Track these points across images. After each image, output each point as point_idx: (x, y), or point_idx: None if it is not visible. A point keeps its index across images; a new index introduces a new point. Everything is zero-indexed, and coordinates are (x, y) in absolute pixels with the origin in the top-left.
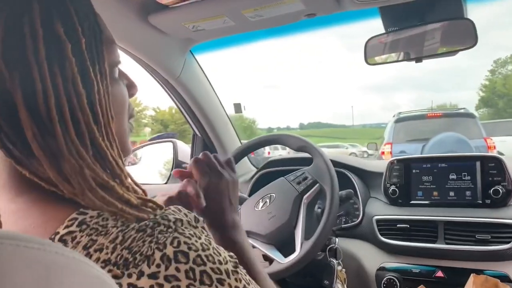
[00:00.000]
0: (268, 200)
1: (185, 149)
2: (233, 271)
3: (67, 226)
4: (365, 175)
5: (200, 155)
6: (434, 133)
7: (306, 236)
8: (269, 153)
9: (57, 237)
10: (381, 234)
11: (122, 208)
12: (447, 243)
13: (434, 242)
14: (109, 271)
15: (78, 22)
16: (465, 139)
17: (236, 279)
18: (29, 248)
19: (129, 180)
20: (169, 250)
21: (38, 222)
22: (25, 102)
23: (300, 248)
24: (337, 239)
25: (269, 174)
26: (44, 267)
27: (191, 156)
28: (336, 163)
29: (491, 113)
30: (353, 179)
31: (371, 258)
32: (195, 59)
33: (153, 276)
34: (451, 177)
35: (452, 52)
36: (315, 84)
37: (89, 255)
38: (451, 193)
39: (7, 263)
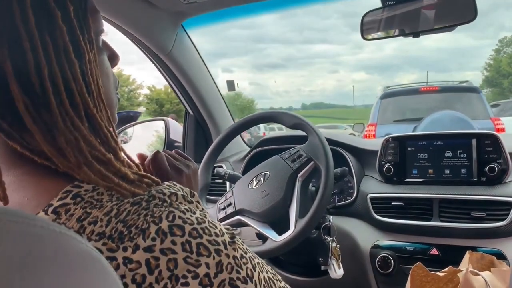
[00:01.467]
0: (262, 178)
1: (177, 128)
2: (230, 242)
3: (61, 198)
4: (360, 153)
5: (154, 155)
6: (428, 112)
7: (301, 214)
8: (264, 134)
9: (51, 209)
10: (376, 212)
11: (118, 182)
12: (442, 221)
13: (429, 220)
14: (104, 244)
15: None
16: (466, 119)
17: (234, 249)
18: (12, 222)
19: (123, 154)
20: (164, 224)
21: (31, 194)
22: (15, 74)
23: (294, 226)
24: (331, 217)
25: (262, 152)
26: (29, 242)
27: (183, 135)
28: (330, 141)
29: (495, 93)
30: (347, 157)
31: (365, 236)
32: (187, 34)
33: (148, 249)
34: (446, 154)
35: (451, 27)
36: (318, 64)
37: (83, 228)
38: (447, 171)
39: None
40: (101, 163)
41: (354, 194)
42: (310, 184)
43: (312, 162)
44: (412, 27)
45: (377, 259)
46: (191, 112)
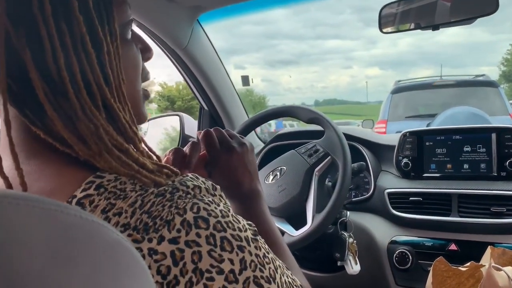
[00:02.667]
0: (278, 173)
1: (192, 123)
2: (253, 239)
3: (84, 189)
4: (377, 148)
5: (204, 132)
6: (443, 108)
7: (318, 209)
8: (274, 130)
9: (75, 200)
10: (393, 207)
11: (139, 170)
12: (461, 216)
13: (447, 215)
14: (129, 235)
15: None
16: (484, 115)
17: (256, 247)
18: (45, 210)
19: (143, 145)
20: (189, 216)
21: (54, 185)
22: (34, 61)
23: (311, 221)
24: (348, 212)
25: (277, 148)
26: (62, 229)
27: (198, 130)
28: (347, 136)
29: None
30: (364, 152)
31: (383, 232)
32: (203, 29)
33: (173, 241)
34: (465, 149)
35: (470, 19)
36: (331, 59)
37: (108, 219)
38: (465, 166)
39: (23, 223)
40: (120, 151)
41: (371, 189)
42: (327, 179)
43: (329, 157)
44: (430, 20)
45: (395, 254)
46: (205, 108)
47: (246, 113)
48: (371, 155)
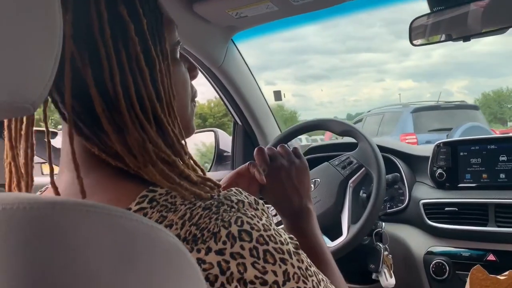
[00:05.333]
0: (312, 185)
1: (226, 138)
2: (295, 252)
3: (138, 203)
4: (410, 159)
5: (257, 150)
6: (451, 124)
7: (353, 220)
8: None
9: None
10: (429, 218)
11: (179, 183)
12: (498, 226)
13: (484, 225)
14: None
15: (139, 5)
16: (487, 127)
17: (298, 260)
18: (111, 216)
19: (189, 158)
20: (234, 229)
21: (110, 197)
22: (94, 80)
23: (347, 232)
24: (383, 223)
25: (310, 161)
26: (127, 234)
27: (232, 145)
28: (381, 148)
29: None
30: (398, 164)
31: (418, 243)
32: (236, 47)
33: (220, 252)
34: (501, 158)
35: (502, 30)
36: (363, 73)
37: None
38: (502, 175)
39: (92, 229)
40: (166, 164)
41: (406, 200)
42: (361, 191)
43: (364, 168)
44: (461, 31)
45: (431, 265)
46: (239, 123)
47: (279, 127)
48: (405, 166)
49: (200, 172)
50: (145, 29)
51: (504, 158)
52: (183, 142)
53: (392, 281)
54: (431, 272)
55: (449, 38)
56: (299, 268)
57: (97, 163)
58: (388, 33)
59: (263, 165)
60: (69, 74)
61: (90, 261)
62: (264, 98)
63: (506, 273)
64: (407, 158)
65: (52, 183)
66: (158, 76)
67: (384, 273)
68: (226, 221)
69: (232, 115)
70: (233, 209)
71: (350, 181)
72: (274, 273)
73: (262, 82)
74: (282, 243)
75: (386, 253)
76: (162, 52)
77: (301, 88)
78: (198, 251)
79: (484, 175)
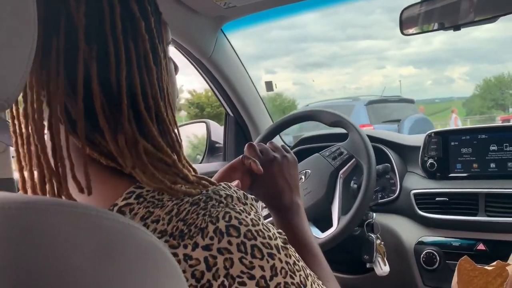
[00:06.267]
0: (303, 177)
1: (218, 130)
2: (283, 247)
3: (125, 199)
4: (401, 149)
5: (247, 146)
6: (399, 116)
7: (343, 211)
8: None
9: (116, 208)
10: (419, 208)
11: (170, 186)
12: (488, 216)
13: (475, 215)
14: (166, 241)
15: (147, 2)
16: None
17: (286, 255)
18: (87, 215)
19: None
20: (222, 224)
21: (97, 193)
22: (98, 73)
23: (337, 223)
24: (374, 214)
25: (301, 151)
26: (103, 233)
27: (224, 136)
28: (371, 138)
29: None
30: (389, 154)
31: (409, 233)
32: (226, 37)
33: (206, 248)
34: (491, 148)
35: (493, 18)
36: (363, 60)
37: (146, 226)
38: (492, 165)
39: (68, 229)
40: (164, 164)
41: (397, 190)
42: (352, 182)
43: (354, 159)
44: (452, 20)
45: (422, 255)
46: (231, 114)
47: (271, 118)
48: (396, 157)
49: (193, 172)
50: (153, 27)
51: (495, 148)
52: (180, 140)
53: (386, 268)
54: (422, 262)
55: (440, 27)
56: (287, 263)
57: (86, 161)
58: (388, 20)
59: (256, 158)
60: (82, 67)
61: (64, 260)
62: (256, 89)
63: (494, 263)
64: (398, 148)
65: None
66: (162, 74)
67: (379, 262)
68: (214, 216)
69: (224, 106)
70: (221, 204)
71: (341, 172)
72: (262, 268)
73: (261, 71)
74: (270, 238)
75: (378, 241)
76: (164, 50)
77: (301, 76)
78: (185, 246)
79: (475, 165)
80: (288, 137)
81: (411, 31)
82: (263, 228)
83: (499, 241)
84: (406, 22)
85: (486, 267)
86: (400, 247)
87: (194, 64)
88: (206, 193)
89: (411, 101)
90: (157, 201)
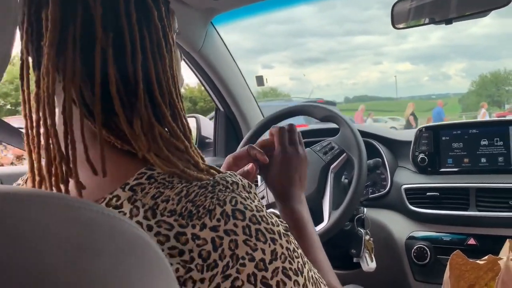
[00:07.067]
0: None
1: (208, 125)
2: (284, 234)
3: (136, 179)
4: (392, 144)
5: (286, 126)
6: None
7: (334, 206)
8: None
9: (127, 186)
10: (410, 203)
11: (183, 169)
12: (479, 210)
13: (465, 209)
14: (175, 220)
15: None
16: None
17: (287, 241)
18: (70, 207)
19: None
20: (228, 207)
21: (108, 175)
22: (115, 60)
23: (328, 217)
24: (365, 209)
25: None
26: (87, 225)
27: (214, 131)
28: (362, 133)
29: None
30: (380, 149)
31: (400, 228)
32: (216, 31)
33: (214, 229)
34: (482, 143)
35: (483, 12)
36: (360, 56)
37: (156, 205)
38: (483, 159)
39: (52, 220)
40: (177, 149)
41: (388, 185)
42: (343, 176)
43: (345, 154)
44: (443, 14)
45: (413, 250)
46: (221, 109)
47: (262, 113)
48: (387, 151)
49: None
50: (164, 16)
51: (485, 143)
52: (189, 127)
53: (372, 265)
54: (413, 257)
55: (432, 21)
56: (287, 249)
57: (102, 144)
58: (385, 16)
59: (282, 144)
60: (99, 54)
61: (44, 254)
62: (246, 83)
63: (486, 257)
64: (389, 143)
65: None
66: (173, 62)
67: (365, 257)
68: (221, 200)
69: (214, 100)
70: (228, 190)
71: (332, 166)
72: (263, 251)
73: (259, 66)
74: (273, 224)
75: (367, 237)
76: (173, 39)
77: (298, 71)
78: (193, 226)
79: (466, 160)
80: None
81: (402, 25)
82: (266, 215)
83: (489, 235)
84: (397, 16)
85: (477, 262)
86: (391, 242)
87: (184, 57)
88: (213, 178)
89: (333, 103)
90: (167, 183)
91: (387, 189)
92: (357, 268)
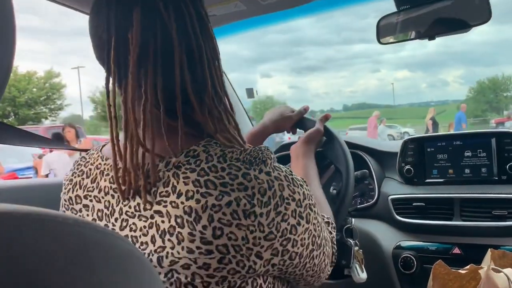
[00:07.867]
0: None
1: None
2: (305, 182)
3: (203, 145)
4: (379, 155)
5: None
6: None
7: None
8: (289, 138)
9: (201, 144)
10: (397, 213)
11: (241, 143)
12: (463, 220)
13: (450, 219)
14: (242, 164)
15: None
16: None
17: (307, 188)
18: (64, 224)
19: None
20: (272, 162)
21: (175, 142)
22: (188, 67)
23: None
24: (353, 219)
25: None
26: (81, 242)
27: None
28: (350, 144)
29: None
30: (367, 160)
31: (387, 237)
32: None
33: (268, 174)
34: (466, 154)
35: (465, 29)
36: (359, 64)
37: (225, 154)
38: (467, 170)
39: (42, 238)
40: (230, 134)
41: (375, 196)
42: (331, 187)
43: (333, 165)
44: (427, 29)
45: (400, 259)
46: None
47: (251, 122)
48: (374, 163)
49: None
50: (209, 28)
51: (469, 154)
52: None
53: (363, 275)
54: (400, 266)
55: (417, 36)
56: (308, 190)
57: (181, 128)
58: None
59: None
60: (178, 64)
61: (38, 270)
62: (236, 94)
63: (468, 267)
64: (376, 154)
65: (139, 141)
66: (219, 66)
67: (356, 268)
68: (267, 157)
69: None
70: (269, 153)
71: (320, 178)
72: (298, 193)
73: (257, 75)
74: (301, 185)
75: (356, 248)
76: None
77: (297, 79)
78: (254, 170)
79: (450, 171)
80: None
81: (388, 39)
82: (294, 178)
83: (473, 244)
84: (383, 31)
85: (460, 271)
86: (378, 252)
87: None
88: (254, 147)
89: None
90: (229, 147)
91: (374, 199)
92: (346, 278)
